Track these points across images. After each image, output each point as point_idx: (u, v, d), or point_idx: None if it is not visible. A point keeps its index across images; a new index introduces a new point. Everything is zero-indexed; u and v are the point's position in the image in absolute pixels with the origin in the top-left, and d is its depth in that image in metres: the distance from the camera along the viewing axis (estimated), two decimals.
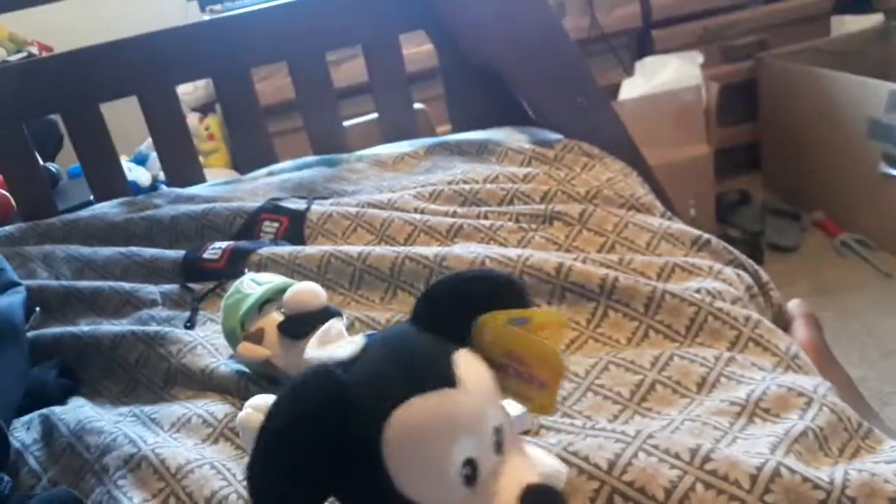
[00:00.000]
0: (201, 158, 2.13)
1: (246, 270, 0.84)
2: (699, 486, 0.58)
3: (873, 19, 2.35)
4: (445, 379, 0.42)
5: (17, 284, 0.89)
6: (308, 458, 0.40)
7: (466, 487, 0.41)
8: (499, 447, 0.43)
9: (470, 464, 0.41)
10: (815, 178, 2.21)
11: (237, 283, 0.80)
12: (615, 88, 2.12)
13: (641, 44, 2.29)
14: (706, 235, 0.96)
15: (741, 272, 0.92)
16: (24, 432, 0.77)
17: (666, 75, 2.05)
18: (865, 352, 1.72)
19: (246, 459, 0.67)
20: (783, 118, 2.28)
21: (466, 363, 0.43)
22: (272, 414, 0.41)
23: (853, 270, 2.02)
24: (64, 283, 1.04)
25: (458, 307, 0.46)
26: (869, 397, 1.51)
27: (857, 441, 0.66)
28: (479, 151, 1.25)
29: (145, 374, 0.84)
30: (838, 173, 2.12)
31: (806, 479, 0.57)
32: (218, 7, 2.23)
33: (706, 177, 2.08)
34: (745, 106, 2.35)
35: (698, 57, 2.09)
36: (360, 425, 0.41)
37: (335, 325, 0.52)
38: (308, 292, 0.73)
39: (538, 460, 0.51)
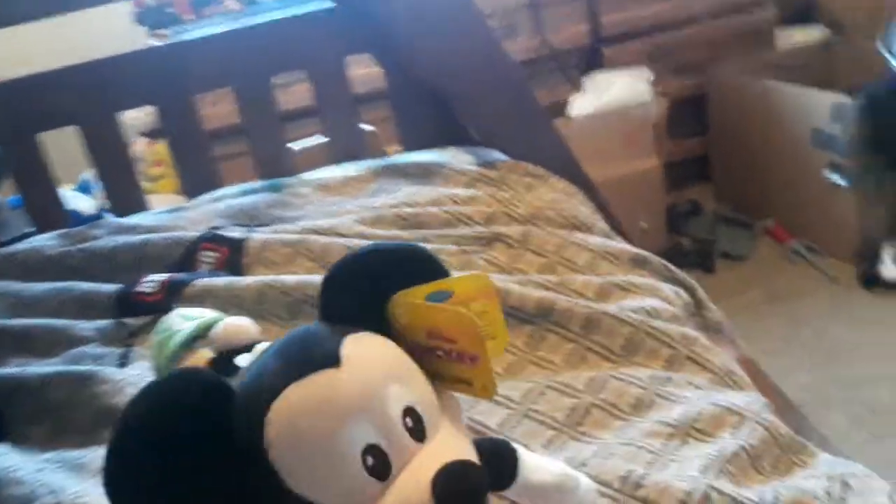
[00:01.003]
0: (150, 184, 2.11)
1: (174, 306, 0.82)
2: None
3: (816, 32, 2.40)
4: (326, 361, 0.36)
5: None
6: (176, 457, 0.35)
7: (377, 480, 0.35)
8: (417, 433, 0.37)
9: (373, 452, 0.35)
10: (764, 187, 2.25)
11: (166, 318, 0.78)
12: (563, 105, 2.13)
13: (591, 61, 2.31)
14: (644, 253, 0.97)
15: (679, 290, 0.93)
16: None
17: (615, 92, 2.06)
18: (814, 357, 1.75)
19: None
20: (732, 130, 2.31)
21: (357, 343, 0.38)
22: (122, 427, 0.35)
23: (803, 277, 2.05)
24: None
25: (360, 289, 0.41)
26: (816, 402, 1.54)
27: (789, 456, 0.67)
28: (425, 174, 1.24)
29: (75, 417, 0.81)
30: (786, 182, 2.16)
31: (736, 502, 0.57)
32: (166, 31, 2.21)
33: (656, 189, 2.10)
34: (694, 119, 2.38)
35: (647, 73, 2.11)
36: (240, 430, 0.36)
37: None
38: (237, 326, 0.72)
39: (545, 467, 0.47)
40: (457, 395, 0.43)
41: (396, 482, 0.35)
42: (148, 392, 0.36)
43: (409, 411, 0.37)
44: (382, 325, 0.42)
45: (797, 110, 2.05)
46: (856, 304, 1.90)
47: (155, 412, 0.35)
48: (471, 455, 0.37)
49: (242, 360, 0.52)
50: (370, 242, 0.46)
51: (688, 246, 2.15)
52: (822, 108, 1.96)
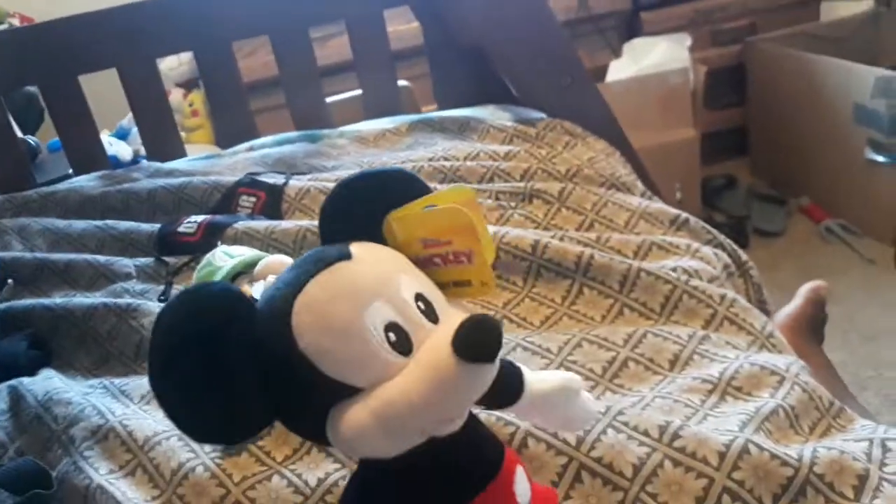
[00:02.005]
0: (185, 134, 2.12)
1: (219, 243, 0.83)
2: (667, 463, 0.58)
3: (863, 5, 2.34)
4: (340, 256, 0.40)
5: None
6: (210, 368, 0.37)
7: (402, 356, 0.38)
8: (430, 315, 0.40)
9: (394, 329, 0.38)
10: (802, 164, 2.21)
11: (209, 255, 0.79)
12: (603, 70, 2.10)
13: (630, 26, 2.28)
14: (685, 214, 0.96)
15: (719, 251, 0.92)
16: None
17: (654, 58, 2.03)
18: (846, 336, 1.73)
19: None
20: (771, 103, 2.27)
21: (362, 245, 0.41)
22: (160, 326, 0.37)
23: (837, 256, 2.02)
24: (38, 255, 1.02)
25: (353, 213, 0.44)
26: (848, 381, 1.51)
27: (827, 420, 0.66)
28: (462, 129, 1.24)
29: (117, 347, 0.83)
30: (824, 159, 2.12)
31: (774, 456, 0.57)
32: None
33: (692, 160, 2.08)
34: (733, 90, 2.34)
35: (686, 39, 2.08)
36: (268, 332, 0.38)
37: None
38: (279, 264, 0.73)
39: (546, 376, 0.49)
40: (462, 301, 0.45)
41: (418, 353, 0.38)
42: (182, 296, 0.39)
43: (420, 297, 0.40)
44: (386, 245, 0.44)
45: (839, 84, 2.01)
46: (891, 285, 1.88)
47: (191, 310, 0.38)
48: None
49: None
50: (376, 168, 0.48)
51: (721, 221, 2.13)
52: (866, 82, 1.91)
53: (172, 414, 0.38)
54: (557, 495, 0.53)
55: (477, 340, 0.36)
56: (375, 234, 0.44)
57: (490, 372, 0.37)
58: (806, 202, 2.18)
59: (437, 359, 0.37)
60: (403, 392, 0.37)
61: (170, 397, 0.38)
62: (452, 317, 0.40)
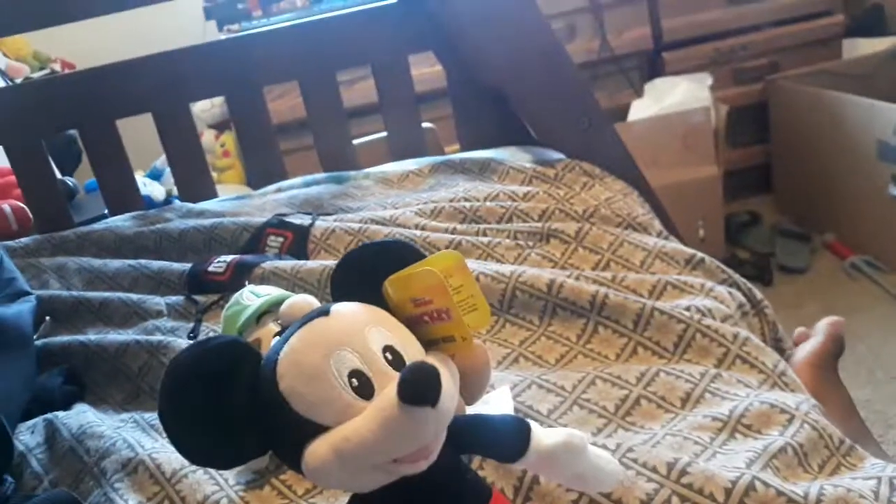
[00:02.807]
0: (216, 174, 2.18)
1: (246, 283, 0.87)
2: (675, 499, 0.59)
3: (885, 42, 2.35)
4: (320, 314, 0.46)
5: (27, 293, 0.93)
6: (209, 396, 0.43)
7: (363, 399, 0.42)
8: (395, 363, 0.44)
9: (357, 375, 0.43)
10: (826, 200, 2.21)
11: (237, 294, 0.82)
12: (625, 109, 2.14)
13: (652, 66, 2.31)
14: (700, 254, 0.98)
15: (734, 291, 0.93)
16: (28, 436, 0.80)
17: (675, 97, 2.06)
18: (872, 374, 1.72)
19: (240, 467, 0.69)
20: (794, 140, 2.28)
21: (346, 304, 0.47)
22: (173, 366, 0.43)
23: (862, 293, 2.01)
24: (74, 293, 1.07)
25: (357, 283, 0.49)
26: (874, 420, 1.51)
27: (837, 458, 0.67)
28: (482, 170, 1.27)
29: (147, 382, 0.86)
30: (848, 195, 2.12)
31: (780, 493, 0.58)
32: (235, 27, 2.28)
33: (715, 198, 2.09)
34: (755, 128, 2.36)
35: (707, 78, 2.11)
36: (263, 378, 0.44)
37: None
38: (304, 304, 0.75)
39: (552, 433, 0.51)
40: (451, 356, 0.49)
41: (376, 396, 0.43)
42: (194, 344, 0.45)
43: (388, 349, 0.45)
44: (386, 309, 0.49)
45: (862, 121, 2.02)
46: None
47: (199, 355, 0.44)
48: (439, 367, 0.42)
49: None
50: (379, 241, 0.54)
51: (745, 258, 2.13)
52: (889, 119, 1.92)
53: (174, 440, 0.44)
54: None
55: (414, 385, 0.40)
56: (378, 299, 0.49)
57: (432, 415, 0.41)
58: (830, 238, 2.18)
59: (385, 402, 0.41)
60: (357, 429, 0.41)
61: (173, 426, 0.43)
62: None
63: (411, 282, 0.47)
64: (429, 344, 0.48)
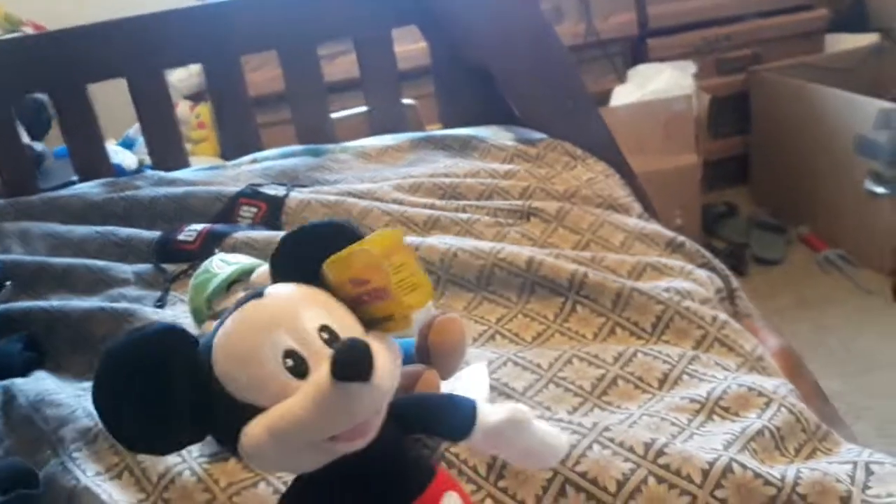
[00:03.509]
0: (190, 146, 2.13)
1: (216, 251, 0.84)
2: (651, 480, 0.58)
3: (868, 38, 2.36)
4: (254, 296, 0.45)
5: None
6: (145, 384, 0.42)
7: (298, 378, 0.42)
8: (332, 343, 0.43)
9: (291, 355, 0.42)
10: (803, 193, 2.22)
11: (206, 262, 0.80)
12: (607, 94, 2.12)
13: (636, 52, 2.30)
14: (681, 237, 0.97)
15: (713, 275, 0.92)
16: None
17: (658, 83, 2.05)
18: (843, 367, 1.73)
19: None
20: (773, 132, 2.28)
21: (283, 286, 0.46)
22: (108, 352, 0.42)
23: (835, 286, 2.02)
24: (37, 258, 1.03)
25: (302, 259, 0.48)
26: (844, 411, 1.51)
27: (814, 442, 0.67)
28: (463, 147, 1.25)
29: None
30: (825, 189, 2.13)
31: (757, 476, 0.58)
32: None
33: (693, 187, 2.08)
34: (736, 119, 2.35)
35: (691, 66, 2.10)
36: (200, 364, 0.43)
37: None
38: None
39: (497, 409, 0.50)
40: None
41: (310, 374, 0.42)
42: (132, 331, 0.44)
43: (325, 328, 0.44)
44: (327, 290, 0.48)
45: (842, 115, 2.02)
46: (888, 316, 1.87)
47: (137, 341, 0.43)
48: (373, 344, 0.42)
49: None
50: (317, 222, 0.52)
51: (720, 248, 2.13)
52: (868, 114, 1.92)
53: (110, 428, 0.43)
54: None
55: (346, 361, 0.40)
56: (317, 280, 0.47)
57: (366, 391, 0.41)
58: (805, 231, 2.19)
59: (318, 380, 0.41)
60: (291, 408, 0.41)
61: (108, 414, 0.42)
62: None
63: (350, 262, 0.46)
64: (370, 324, 0.47)
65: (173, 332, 0.44)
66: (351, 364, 0.40)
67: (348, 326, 0.45)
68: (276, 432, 0.41)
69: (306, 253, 0.48)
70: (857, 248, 2.05)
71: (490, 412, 0.50)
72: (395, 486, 0.47)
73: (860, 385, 1.66)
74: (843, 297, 1.97)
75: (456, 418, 0.49)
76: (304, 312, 0.44)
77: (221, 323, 0.45)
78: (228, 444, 0.44)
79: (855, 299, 1.96)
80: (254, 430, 0.41)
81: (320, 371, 0.41)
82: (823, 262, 2.09)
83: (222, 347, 0.43)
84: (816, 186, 2.16)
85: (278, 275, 0.49)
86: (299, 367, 0.42)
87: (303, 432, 0.41)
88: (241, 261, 0.79)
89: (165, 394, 0.42)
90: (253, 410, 0.42)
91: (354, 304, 0.47)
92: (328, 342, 0.43)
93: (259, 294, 0.45)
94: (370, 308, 0.46)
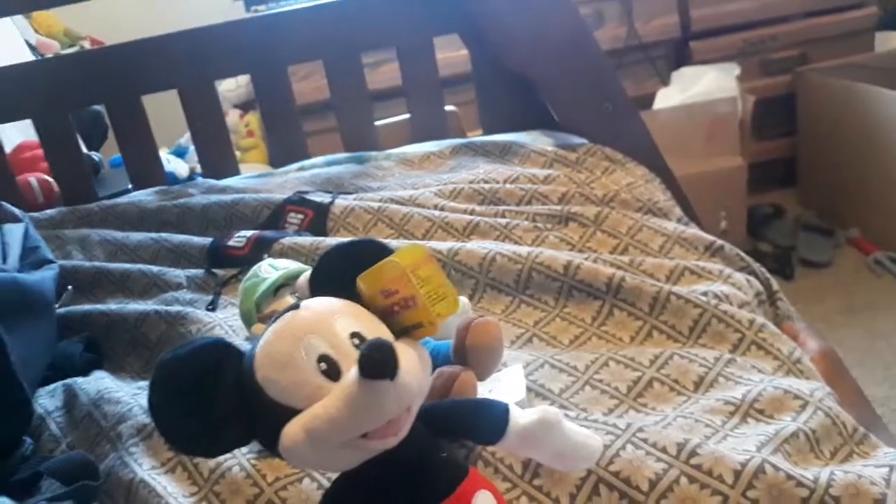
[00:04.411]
0: (239, 154, 2.20)
1: (265, 256, 0.88)
2: (683, 480, 0.59)
3: None
4: (293, 308, 0.49)
5: (50, 262, 0.94)
6: (195, 392, 0.46)
7: (331, 381, 0.45)
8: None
9: (325, 359, 0.45)
10: (851, 195, 2.18)
11: (255, 267, 0.83)
12: (650, 98, 2.12)
13: (679, 55, 2.29)
14: (720, 241, 0.97)
15: (752, 279, 0.93)
16: (47, 399, 0.82)
17: (702, 86, 2.04)
18: (889, 371, 1.70)
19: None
20: (821, 133, 2.25)
21: (318, 299, 0.50)
22: (159, 366, 0.46)
23: (885, 289, 1.98)
24: (96, 263, 1.08)
25: (337, 279, 0.51)
26: (889, 417, 1.49)
27: (850, 446, 0.67)
28: (503, 153, 1.27)
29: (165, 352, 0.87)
30: (875, 190, 2.09)
31: (790, 477, 0.58)
32: (262, 7, 2.29)
33: (739, 189, 2.07)
34: (782, 120, 2.32)
35: (735, 68, 2.08)
36: (245, 371, 0.47)
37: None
38: None
39: (529, 411, 0.52)
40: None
41: (342, 377, 0.45)
42: (182, 345, 0.48)
43: (356, 335, 0.47)
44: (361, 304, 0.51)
45: (891, 115, 1.98)
46: None
47: (187, 352, 0.47)
48: (398, 346, 0.45)
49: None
50: (350, 240, 0.58)
51: (767, 251, 2.11)
52: None
53: (164, 432, 0.47)
54: None
55: (371, 359, 0.43)
56: (354, 297, 0.51)
57: (392, 389, 0.43)
58: (855, 234, 2.15)
59: (349, 381, 0.44)
60: (325, 407, 0.44)
61: (162, 419, 0.46)
62: None
63: (379, 274, 0.50)
64: (400, 333, 0.50)
65: (220, 345, 0.48)
66: (376, 362, 0.43)
67: (378, 333, 0.48)
68: (311, 431, 0.44)
69: (340, 269, 0.52)
70: None
71: (521, 415, 0.52)
72: (425, 485, 0.50)
73: None
74: (893, 301, 1.93)
75: (488, 422, 0.51)
76: (337, 321, 0.47)
77: (263, 335, 0.48)
78: (270, 445, 0.47)
79: None
80: (291, 430, 0.45)
81: (350, 373, 0.44)
82: (874, 264, 2.05)
83: (263, 355, 0.46)
84: (866, 188, 2.12)
85: (316, 290, 0.52)
86: (332, 371, 0.45)
87: (335, 430, 0.44)
88: (288, 266, 0.83)
89: (213, 400, 0.46)
90: (290, 412, 0.45)
91: (386, 315, 0.50)
92: (359, 347, 0.46)
93: (296, 307, 0.49)
94: (400, 317, 0.50)
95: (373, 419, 0.44)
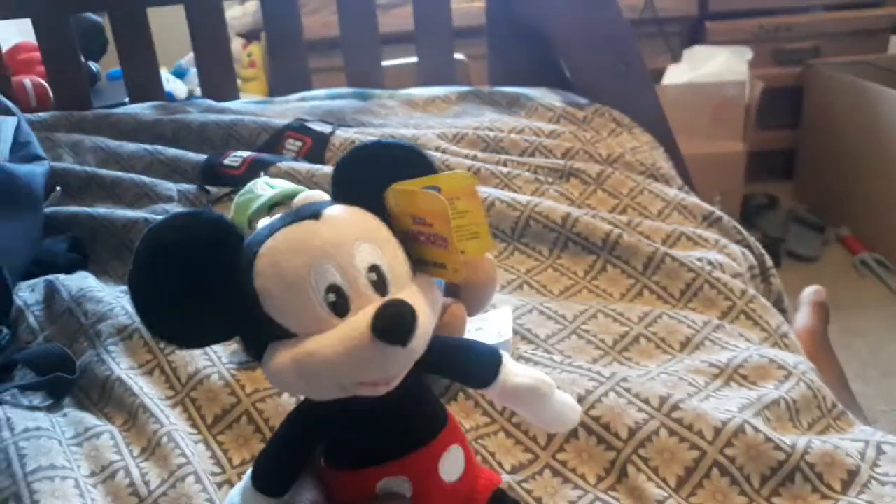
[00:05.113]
0: (240, 83, 2.15)
1: (262, 174, 0.86)
2: (663, 432, 0.59)
3: None
4: (309, 215, 0.43)
5: (41, 158, 0.92)
6: (185, 273, 0.41)
7: (336, 316, 0.41)
8: (380, 287, 0.42)
9: (335, 291, 0.41)
10: (846, 193, 2.19)
11: (251, 183, 0.82)
12: (660, 73, 2.10)
13: (694, 33, 2.27)
14: (718, 212, 0.97)
15: (747, 252, 0.92)
16: (28, 293, 0.80)
17: (712, 67, 2.02)
18: (865, 370, 1.72)
19: (233, 346, 0.69)
20: (824, 128, 2.25)
21: (341, 208, 0.44)
22: (150, 232, 0.41)
23: (868, 290, 2.00)
24: (87, 168, 1.06)
25: (367, 175, 0.46)
26: (865, 413, 1.51)
27: (828, 420, 0.67)
28: (511, 104, 1.25)
29: None
30: (871, 191, 2.09)
31: (769, 440, 0.58)
32: None
33: (736, 175, 2.07)
34: (788, 111, 2.32)
35: (748, 52, 2.06)
36: (240, 267, 0.42)
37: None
38: (318, 199, 0.75)
39: (524, 372, 0.50)
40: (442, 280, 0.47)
41: (348, 317, 0.41)
42: (178, 214, 0.42)
43: (374, 269, 0.42)
44: (384, 213, 0.46)
45: None
46: None
47: (181, 226, 0.42)
48: (419, 307, 0.40)
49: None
50: (391, 139, 0.49)
51: (756, 239, 2.12)
52: None
53: (140, 309, 0.41)
54: (501, 482, 0.53)
55: (390, 324, 0.38)
56: (378, 201, 0.46)
57: (401, 354, 0.39)
58: (845, 232, 2.16)
59: (357, 328, 0.39)
60: (322, 347, 0.40)
61: (141, 294, 0.41)
62: (400, 292, 0.43)
63: (416, 199, 0.44)
64: (418, 263, 0.45)
65: (222, 225, 0.43)
66: (394, 328, 0.39)
67: (398, 270, 0.44)
68: (302, 367, 0.40)
69: (373, 170, 0.46)
70: None
71: (515, 373, 0.49)
72: (404, 430, 0.47)
73: (880, 389, 1.66)
74: (875, 302, 1.95)
75: (479, 368, 0.48)
76: (357, 248, 0.42)
77: (270, 231, 0.43)
78: (252, 350, 0.44)
79: (887, 305, 1.94)
80: (281, 358, 0.41)
81: (359, 319, 0.39)
82: (860, 264, 2.06)
83: (268, 263, 0.41)
84: (862, 188, 2.13)
85: (338, 186, 0.48)
86: (340, 306, 0.41)
87: (329, 373, 0.40)
88: (284, 185, 0.81)
89: (202, 286, 0.41)
90: (281, 331, 0.41)
91: (408, 238, 0.45)
92: (375, 284, 0.42)
93: (316, 214, 0.43)
94: (425, 249, 0.45)
95: (372, 375, 0.41)
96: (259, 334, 0.42)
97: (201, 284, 0.41)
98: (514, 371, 0.49)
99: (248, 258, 0.42)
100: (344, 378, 0.41)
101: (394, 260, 0.44)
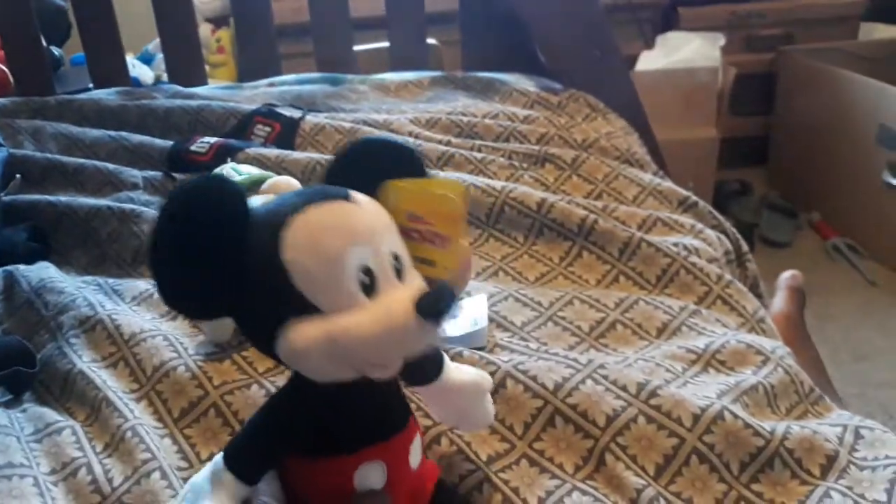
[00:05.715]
0: (208, 69, 2.11)
1: (229, 160, 0.84)
2: (641, 419, 0.58)
3: None
4: (341, 195, 0.44)
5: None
6: (205, 247, 0.41)
7: (365, 295, 0.42)
8: (399, 273, 0.44)
9: (367, 272, 0.42)
10: (818, 179, 2.20)
11: (218, 169, 0.80)
12: (633, 60, 2.09)
13: (666, 19, 2.27)
14: (694, 197, 0.96)
15: (723, 237, 0.92)
16: None
17: (685, 53, 2.02)
18: (837, 354, 1.73)
19: (200, 337, 0.67)
20: (796, 114, 2.26)
21: (362, 195, 0.45)
22: (171, 199, 0.41)
23: (840, 275, 2.02)
24: (48, 155, 1.03)
25: (364, 169, 0.48)
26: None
27: (805, 405, 0.67)
28: (485, 89, 1.24)
29: (115, 249, 0.84)
30: (842, 177, 2.11)
31: (747, 426, 0.58)
32: None
33: (709, 161, 2.07)
34: (760, 98, 2.32)
35: (720, 39, 2.06)
36: (258, 238, 0.42)
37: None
38: (286, 185, 0.73)
39: (464, 369, 0.53)
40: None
41: (380, 297, 0.42)
42: (198, 180, 0.42)
43: (395, 256, 0.44)
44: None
45: (867, 104, 2.00)
46: (890, 310, 1.87)
47: (202, 194, 0.41)
48: None
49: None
50: (378, 134, 0.51)
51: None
52: (894, 105, 1.90)
53: (155, 272, 0.41)
54: (439, 473, 0.54)
55: (435, 302, 0.40)
56: (371, 194, 0.47)
57: (433, 332, 0.41)
58: (817, 218, 2.17)
59: (397, 307, 0.40)
60: (359, 324, 0.40)
61: (158, 261, 0.41)
62: (414, 280, 0.45)
63: (423, 198, 0.46)
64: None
65: (239, 195, 0.43)
66: (438, 307, 0.40)
67: (407, 260, 0.45)
68: (336, 342, 0.40)
69: (368, 166, 0.48)
70: (868, 239, 2.04)
71: (456, 369, 0.52)
72: (387, 418, 0.48)
73: (851, 372, 1.67)
74: (846, 287, 1.97)
75: (426, 363, 0.50)
76: (385, 235, 0.44)
77: (293, 207, 0.42)
78: (253, 326, 0.43)
79: (858, 290, 1.96)
80: (310, 332, 0.41)
81: (399, 300, 0.41)
82: (831, 249, 2.08)
83: (305, 237, 0.41)
84: (833, 174, 2.14)
85: (335, 175, 0.49)
86: (370, 286, 0.42)
87: (363, 350, 0.41)
88: (252, 171, 0.79)
89: (222, 253, 0.41)
90: (307, 307, 0.41)
91: (401, 234, 0.47)
92: (396, 269, 0.43)
93: (349, 197, 0.44)
94: (415, 245, 0.47)
95: (401, 352, 0.42)
96: (277, 310, 0.41)
97: (220, 252, 0.41)
98: (455, 367, 0.52)
99: (269, 231, 0.41)
100: (374, 356, 0.41)
101: (404, 251, 0.46)
